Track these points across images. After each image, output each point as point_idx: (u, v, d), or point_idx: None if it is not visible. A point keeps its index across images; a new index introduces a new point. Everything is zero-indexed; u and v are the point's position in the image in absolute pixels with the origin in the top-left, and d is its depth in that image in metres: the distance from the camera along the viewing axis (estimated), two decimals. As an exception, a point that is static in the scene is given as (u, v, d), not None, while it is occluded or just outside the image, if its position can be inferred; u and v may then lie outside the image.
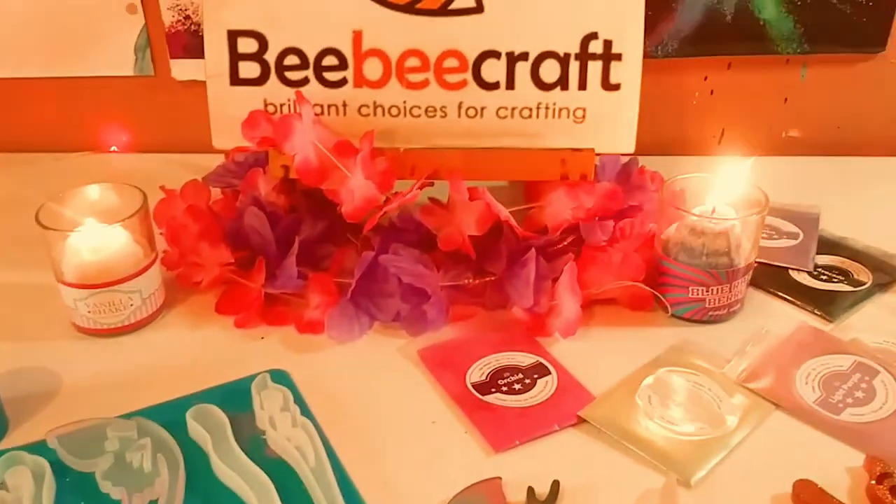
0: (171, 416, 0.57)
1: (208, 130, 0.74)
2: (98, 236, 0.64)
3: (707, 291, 0.65)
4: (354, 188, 0.67)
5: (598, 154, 0.72)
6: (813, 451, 0.55)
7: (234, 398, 0.59)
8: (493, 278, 0.69)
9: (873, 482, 0.51)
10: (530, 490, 0.51)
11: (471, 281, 0.70)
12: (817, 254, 0.75)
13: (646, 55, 0.81)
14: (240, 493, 0.52)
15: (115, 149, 0.97)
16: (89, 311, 0.65)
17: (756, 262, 0.70)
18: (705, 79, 0.93)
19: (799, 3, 0.88)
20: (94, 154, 0.96)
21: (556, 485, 0.52)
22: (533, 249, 0.67)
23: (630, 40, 0.70)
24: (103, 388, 0.61)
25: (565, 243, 0.70)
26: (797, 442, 0.56)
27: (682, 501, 0.51)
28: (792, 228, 0.79)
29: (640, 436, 0.56)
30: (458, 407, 0.59)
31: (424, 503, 0.51)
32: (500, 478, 0.52)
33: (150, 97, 0.95)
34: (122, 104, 0.96)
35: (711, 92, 0.94)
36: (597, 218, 0.70)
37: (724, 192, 0.66)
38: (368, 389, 0.61)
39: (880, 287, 0.71)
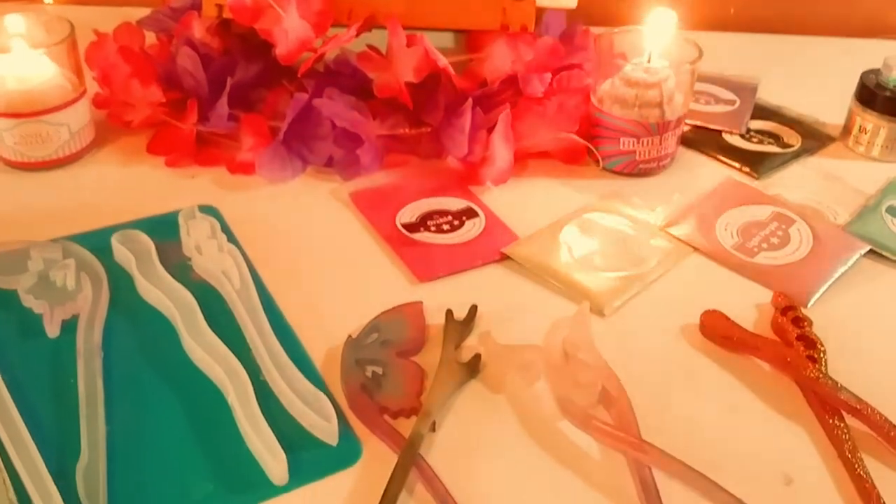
0: (96, 242, 0.57)
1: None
2: (24, 64, 0.63)
3: (638, 143, 0.66)
4: (289, 28, 0.66)
5: (540, 6, 0.71)
6: (725, 289, 0.57)
7: (162, 228, 0.59)
8: (428, 129, 0.69)
9: (778, 314, 0.53)
10: (449, 313, 0.52)
11: (406, 131, 0.69)
12: (751, 119, 0.76)
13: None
14: (164, 311, 0.52)
15: (51, 0, 0.94)
16: (16, 143, 0.64)
17: (688, 122, 0.71)
18: (656, -51, 0.92)
19: None
20: (28, 2, 0.92)
21: (473, 309, 0.53)
22: (470, 99, 0.67)
23: None
24: (29, 219, 0.61)
25: (503, 96, 0.70)
26: (711, 281, 0.58)
27: (594, 327, 0.52)
28: (729, 96, 0.80)
29: (560, 271, 0.57)
30: (387, 243, 0.60)
31: (347, 323, 0.52)
32: (421, 302, 0.54)
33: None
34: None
35: (662, -36, 0.93)
36: (536, 72, 0.70)
37: (658, 42, 0.66)
38: (297, 225, 0.61)
39: (808, 151, 0.73)
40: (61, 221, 0.59)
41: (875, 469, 0.44)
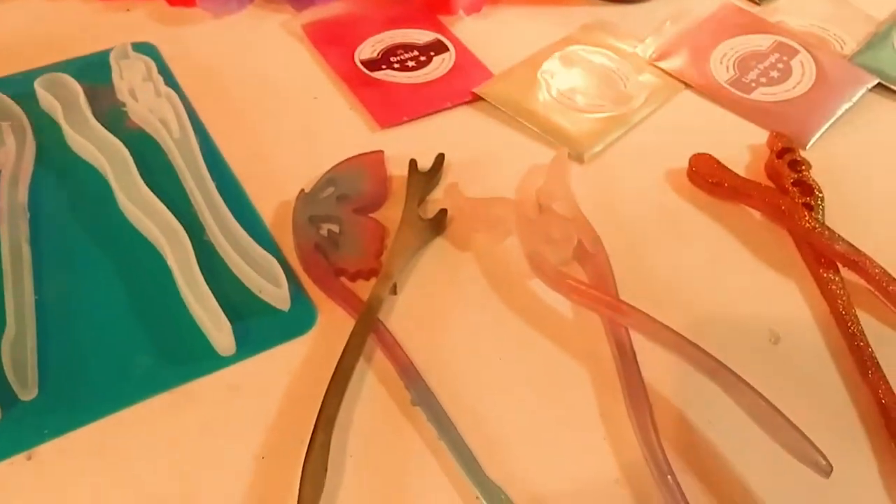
0: (18, 88, 0.51)
1: None
2: None
3: (627, -36, 0.59)
4: None
5: None
6: (717, 130, 0.52)
7: (91, 70, 0.52)
8: (392, -51, 0.62)
9: (774, 157, 0.49)
10: (412, 163, 0.47)
11: (367, -48, 0.62)
12: (755, -65, 0.68)
13: None
14: (95, 164, 0.47)
15: None
16: (-81, -27, 0.56)
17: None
18: None
19: None
20: None
21: (440, 158, 0.48)
22: (437, -88, 0.59)
23: None
24: (-57, 61, 0.54)
25: None
26: (702, 120, 0.53)
27: (572, 175, 0.48)
28: None
29: (537, 112, 0.52)
30: (344, 83, 0.54)
31: (300, 176, 0.47)
32: (382, 151, 0.49)
33: None
34: None
35: None
36: None
37: None
38: (244, 64, 0.55)
39: (816, -29, 0.65)
40: (-22, 64, 0.53)
41: (870, 327, 0.40)
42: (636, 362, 0.38)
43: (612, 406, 0.38)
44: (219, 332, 0.38)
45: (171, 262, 0.41)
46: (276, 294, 0.40)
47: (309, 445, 0.34)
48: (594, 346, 0.40)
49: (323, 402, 0.36)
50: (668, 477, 0.34)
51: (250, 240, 0.42)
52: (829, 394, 0.39)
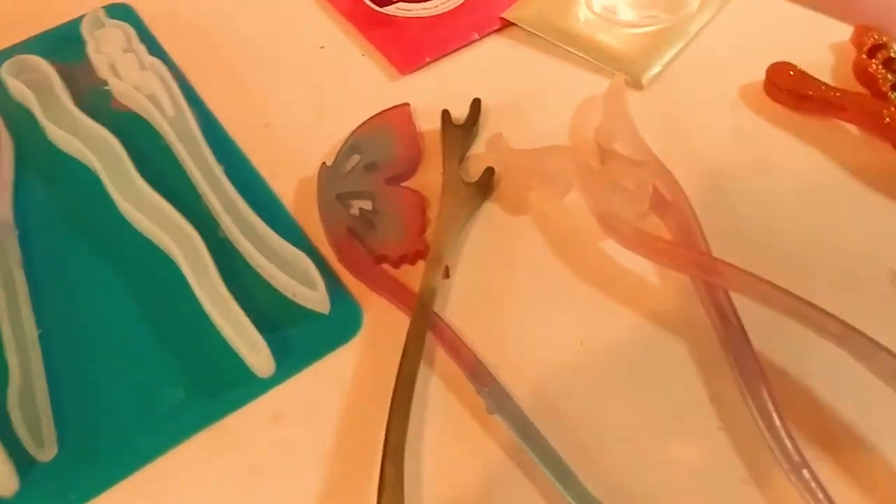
0: (-17, 77, 0.44)
1: None
2: None
3: None
4: None
5: None
6: (790, 30, 0.45)
7: (62, 47, 0.45)
8: None
9: (864, 56, 0.41)
10: (445, 114, 0.41)
11: None
12: None
13: None
14: (83, 160, 0.41)
15: None
16: None
17: None
18: None
19: None
20: None
21: (475, 105, 0.41)
22: None
23: None
24: None
25: None
26: (770, 21, 0.45)
27: (632, 105, 0.41)
28: None
29: (579, 34, 0.45)
30: (352, 25, 0.47)
31: (318, 143, 0.41)
32: (407, 104, 0.42)
33: None
34: None
35: None
36: None
37: None
38: (236, 16, 0.48)
39: None
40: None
41: None
42: (743, 331, 0.33)
43: (722, 387, 0.32)
44: (254, 353, 0.33)
45: (186, 270, 0.36)
46: (313, 297, 0.35)
47: (380, 484, 0.29)
48: (689, 314, 0.34)
49: (387, 426, 0.31)
50: (804, 471, 0.29)
51: (273, 233, 0.36)
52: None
